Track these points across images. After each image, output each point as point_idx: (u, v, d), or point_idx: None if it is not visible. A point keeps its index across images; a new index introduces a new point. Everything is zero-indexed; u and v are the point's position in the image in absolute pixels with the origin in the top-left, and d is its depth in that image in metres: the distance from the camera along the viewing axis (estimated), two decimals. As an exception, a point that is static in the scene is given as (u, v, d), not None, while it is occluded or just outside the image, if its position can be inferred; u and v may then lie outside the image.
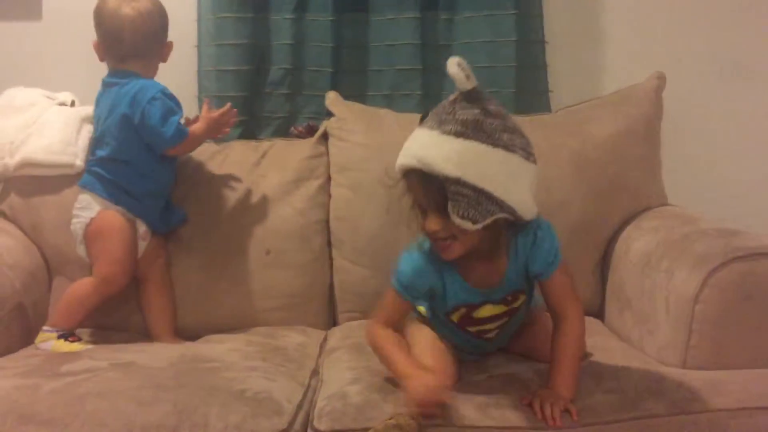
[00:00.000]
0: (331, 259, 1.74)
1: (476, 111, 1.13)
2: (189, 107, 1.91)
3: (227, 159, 1.77)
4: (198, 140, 1.61)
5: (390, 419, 1.10)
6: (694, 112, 1.97)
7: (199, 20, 1.91)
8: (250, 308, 1.68)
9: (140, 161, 1.58)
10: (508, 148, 1.13)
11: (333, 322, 1.74)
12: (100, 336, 1.63)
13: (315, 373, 1.42)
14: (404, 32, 1.91)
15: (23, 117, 1.72)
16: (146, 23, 1.57)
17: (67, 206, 1.66)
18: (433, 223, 1.16)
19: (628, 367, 1.31)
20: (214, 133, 1.62)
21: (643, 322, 1.45)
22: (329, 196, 1.76)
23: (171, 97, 1.58)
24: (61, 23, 1.96)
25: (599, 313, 1.69)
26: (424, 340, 1.30)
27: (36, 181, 1.71)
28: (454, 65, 1.13)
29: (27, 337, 1.57)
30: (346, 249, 1.71)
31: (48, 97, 1.79)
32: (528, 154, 1.16)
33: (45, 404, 1.18)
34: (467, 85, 1.14)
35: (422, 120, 1.20)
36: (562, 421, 1.13)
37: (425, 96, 1.92)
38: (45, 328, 1.55)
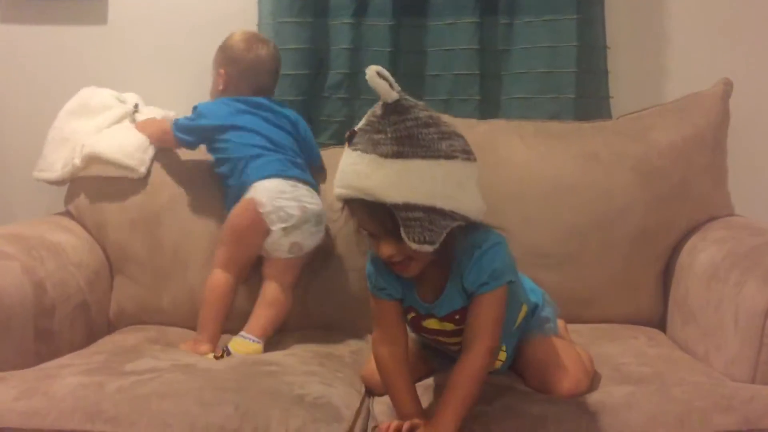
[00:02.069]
0: (388, 263, 1.73)
1: (408, 124, 1.07)
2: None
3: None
4: None
5: None
6: (762, 119, 1.91)
7: (260, 24, 1.92)
8: (306, 310, 1.68)
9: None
10: (449, 156, 1.08)
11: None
12: (160, 332, 1.65)
13: (371, 379, 1.42)
14: (463, 37, 1.89)
15: (96, 120, 1.77)
16: (276, 64, 1.76)
17: (130, 208, 1.70)
18: (388, 249, 1.10)
19: (695, 380, 1.28)
20: None
21: (710, 335, 1.41)
22: (387, 200, 1.75)
23: None
24: (125, 27, 1.99)
25: (660, 325, 1.65)
26: None
27: (101, 183, 1.74)
28: (374, 75, 1.06)
29: (90, 335, 1.61)
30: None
31: (119, 100, 1.84)
32: (468, 154, 1.11)
33: (110, 402, 1.19)
34: (393, 95, 1.07)
35: (350, 139, 1.12)
36: None
37: (483, 101, 1.90)
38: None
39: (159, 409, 1.18)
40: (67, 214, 1.78)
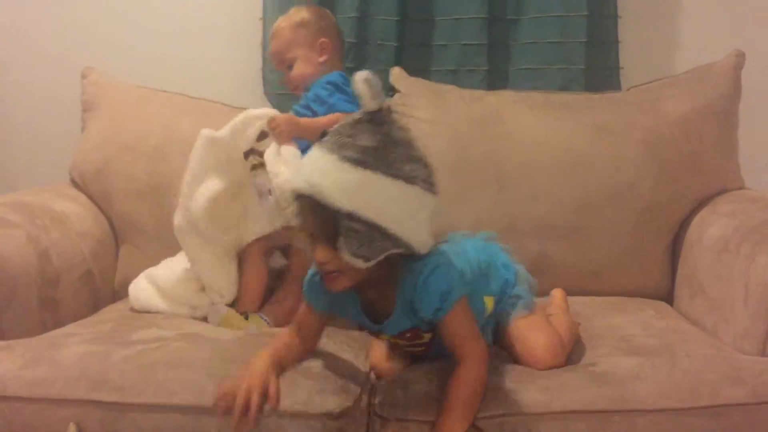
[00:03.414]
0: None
1: (378, 137, 1.05)
2: (254, 81, 1.91)
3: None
4: None
5: None
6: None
7: (265, -9, 1.89)
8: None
9: None
10: (408, 180, 1.06)
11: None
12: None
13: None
14: (471, 6, 1.86)
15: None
16: None
17: (136, 176, 1.67)
18: (322, 255, 1.08)
19: (703, 352, 1.27)
20: None
21: (718, 308, 1.40)
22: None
23: None
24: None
25: (668, 299, 1.64)
26: None
27: (106, 151, 1.72)
28: (361, 81, 1.05)
29: (95, 304, 1.60)
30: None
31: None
32: (429, 185, 1.09)
33: (116, 371, 1.19)
34: (373, 105, 1.05)
35: (321, 136, 1.10)
36: None
37: (491, 72, 1.88)
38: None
39: (165, 378, 1.17)
40: (71, 182, 1.77)
